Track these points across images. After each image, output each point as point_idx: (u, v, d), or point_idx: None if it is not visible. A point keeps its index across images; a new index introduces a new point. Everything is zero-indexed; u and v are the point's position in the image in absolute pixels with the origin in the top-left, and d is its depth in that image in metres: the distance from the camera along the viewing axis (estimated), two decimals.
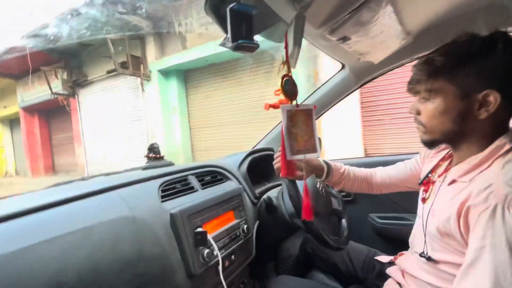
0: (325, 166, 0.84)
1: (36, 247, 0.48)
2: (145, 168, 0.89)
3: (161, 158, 0.93)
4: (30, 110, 8.59)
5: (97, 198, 0.63)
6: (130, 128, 6.19)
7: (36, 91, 7.70)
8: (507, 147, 0.52)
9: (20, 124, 8.82)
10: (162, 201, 0.71)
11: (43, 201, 0.57)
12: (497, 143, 0.53)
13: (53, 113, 8.65)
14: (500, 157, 0.51)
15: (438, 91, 0.55)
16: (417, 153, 0.83)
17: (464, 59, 0.52)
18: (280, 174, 0.72)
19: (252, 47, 0.50)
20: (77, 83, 6.84)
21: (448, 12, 0.77)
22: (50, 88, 6.73)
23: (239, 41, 0.48)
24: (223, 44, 0.64)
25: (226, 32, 0.52)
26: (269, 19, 0.64)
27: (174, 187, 0.78)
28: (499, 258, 0.44)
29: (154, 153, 0.93)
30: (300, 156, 0.63)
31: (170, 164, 0.93)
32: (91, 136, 7.03)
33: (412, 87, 0.60)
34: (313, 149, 0.66)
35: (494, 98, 0.50)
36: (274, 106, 0.63)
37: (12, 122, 10.36)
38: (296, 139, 0.63)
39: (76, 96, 7.04)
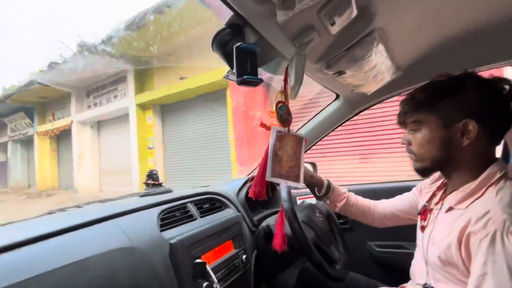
0: (326, 181, 0.87)
1: (26, 284, 0.45)
2: (143, 195, 0.87)
3: (160, 184, 0.92)
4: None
5: (94, 228, 0.61)
6: None
7: None
8: (498, 175, 0.56)
9: (227, 102, 4.85)
10: (161, 230, 0.69)
11: (35, 232, 0.54)
12: (488, 171, 0.57)
13: None
14: (493, 185, 0.55)
15: (422, 122, 0.62)
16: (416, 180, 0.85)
17: (441, 94, 0.60)
18: (249, 194, 0.66)
19: (256, 82, 0.53)
20: None
21: (431, 50, 0.84)
22: None
23: (244, 77, 0.51)
24: (226, 77, 0.67)
25: (231, 67, 0.56)
26: (270, 54, 0.69)
27: (174, 215, 0.77)
28: (501, 285, 0.45)
29: (152, 179, 0.92)
30: (280, 180, 0.63)
31: (168, 191, 0.92)
32: None
33: (401, 119, 0.68)
34: (296, 178, 0.66)
35: (472, 126, 0.56)
36: (266, 126, 0.64)
37: (164, 109, 6.24)
38: (280, 162, 0.63)
39: None
